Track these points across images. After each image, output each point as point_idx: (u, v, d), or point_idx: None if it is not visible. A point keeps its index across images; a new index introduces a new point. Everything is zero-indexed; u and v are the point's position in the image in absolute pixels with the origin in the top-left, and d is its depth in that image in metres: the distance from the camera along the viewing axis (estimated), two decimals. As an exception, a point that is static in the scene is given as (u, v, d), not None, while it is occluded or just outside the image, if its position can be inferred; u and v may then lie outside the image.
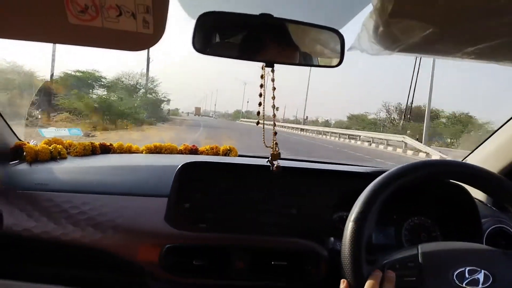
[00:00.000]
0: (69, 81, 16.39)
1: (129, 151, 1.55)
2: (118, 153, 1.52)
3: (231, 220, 1.05)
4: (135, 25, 0.65)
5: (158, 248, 0.99)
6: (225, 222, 1.05)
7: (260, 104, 0.91)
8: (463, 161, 1.40)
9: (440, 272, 0.77)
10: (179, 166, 1.06)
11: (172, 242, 0.99)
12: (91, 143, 1.44)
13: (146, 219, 1.03)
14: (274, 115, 0.94)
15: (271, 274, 1.01)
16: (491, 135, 1.29)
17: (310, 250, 1.02)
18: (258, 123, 0.94)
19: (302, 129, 32.27)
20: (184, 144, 1.62)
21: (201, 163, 1.07)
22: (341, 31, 0.84)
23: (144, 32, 0.67)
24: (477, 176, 0.84)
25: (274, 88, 0.88)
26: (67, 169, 1.21)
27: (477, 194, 1.25)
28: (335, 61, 0.84)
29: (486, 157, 1.27)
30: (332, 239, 0.99)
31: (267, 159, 1.00)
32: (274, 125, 0.95)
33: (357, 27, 0.84)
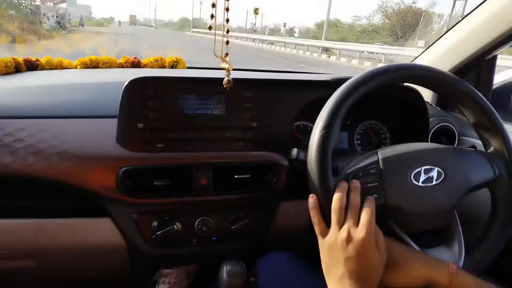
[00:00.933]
0: None
1: (60, 66, 1.37)
2: (47, 69, 1.34)
3: (189, 138, 0.99)
4: None
5: (113, 172, 0.92)
6: (184, 140, 0.99)
7: (213, 5, 0.80)
8: (414, 62, 1.42)
9: (399, 174, 0.80)
10: (126, 82, 0.95)
11: (127, 165, 0.93)
12: (14, 58, 1.24)
13: (96, 142, 0.94)
14: (227, 20, 0.83)
15: (234, 187, 1.01)
16: (441, 37, 1.30)
17: (271, 161, 1.02)
18: (210, 28, 0.83)
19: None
20: (125, 57, 1.47)
21: (151, 78, 0.96)
22: None
23: None
24: (436, 78, 0.85)
25: None
26: None
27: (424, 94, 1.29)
28: None
29: (436, 58, 1.29)
30: (295, 149, 0.99)
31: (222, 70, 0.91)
32: (227, 32, 0.85)
33: None
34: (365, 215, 0.70)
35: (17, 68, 1.24)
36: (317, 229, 0.73)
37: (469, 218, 0.92)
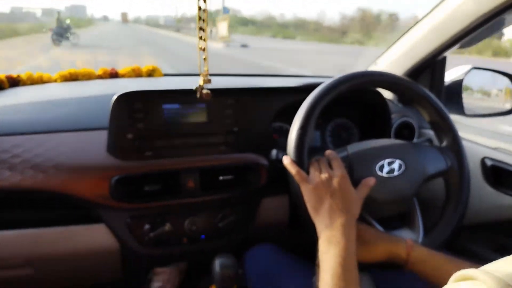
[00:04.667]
0: None
1: (41, 81, 1.41)
2: (29, 84, 1.38)
3: (176, 145, 1.08)
4: None
5: (106, 181, 0.99)
6: (171, 147, 1.07)
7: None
8: (374, 65, 1.55)
9: (366, 166, 0.92)
10: (114, 97, 1.02)
11: (119, 173, 1.00)
12: (-4, 76, 1.28)
13: (88, 154, 1.01)
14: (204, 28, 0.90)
15: (219, 188, 1.11)
16: (396, 42, 1.44)
17: (252, 162, 1.12)
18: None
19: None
20: (103, 68, 1.52)
21: (136, 92, 1.04)
22: None
23: None
24: (397, 84, 0.97)
25: (204, 20, 0.85)
26: None
27: (386, 93, 1.43)
28: None
29: (393, 61, 1.43)
30: (274, 150, 1.09)
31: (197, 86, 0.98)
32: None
33: None
34: (334, 161, 0.85)
35: (0, 85, 1.28)
36: (297, 178, 0.83)
37: (427, 203, 1.06)
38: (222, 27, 21.48)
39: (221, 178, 1.10)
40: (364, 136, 1.36)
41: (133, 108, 1.04)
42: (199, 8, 0.81)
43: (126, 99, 1.03)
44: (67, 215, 1.04)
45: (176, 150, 1.08)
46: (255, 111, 1.15)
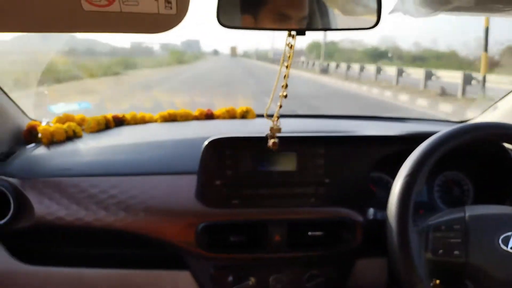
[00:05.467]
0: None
1: (143, 121, 1.49)
2: (132, 124, 1.47)
3: (263, 195, 1.03)
4: (157, 6, 0.58)
5: (192, 228, 0.98)
6: (258, 196, 1.03)
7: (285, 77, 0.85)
8: (493, 108, 1.35)
9: (486, 235, 0.76)
10: (205, 144, 1.01)
11: (206, 221, 0.98)
12: (104, 116, 1.38)
13: (177, 198, 1.01)
14: (286, 86, 0.87)
15: (307, 245, 1.02)
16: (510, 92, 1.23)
17: (346, 218, 1.01)
18: (285, 96, 0.88)
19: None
20: (199, 109, 1.57)
21: (227, 139, 1.03)
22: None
23: (166, 13, 0.59)
24: None
25: (289, 57, 0.82)
26: (87, 150, 1.17)
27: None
28: (371, 22, 0.76)
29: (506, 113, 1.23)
30: (371, 209, 0.97)
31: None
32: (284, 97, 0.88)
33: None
34: None
35: (107, 124, 1.38)
36: None
37: None
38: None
39: (310, 233, 1.01)
40: (481, 194, 1.16)
41: (223, 154, 1.02)
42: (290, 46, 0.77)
43: (217, 145, 1.02)
44: (153, 257, 1.05)
45: (263, 200, 1.03)
46: (349, 161, 1.06)
